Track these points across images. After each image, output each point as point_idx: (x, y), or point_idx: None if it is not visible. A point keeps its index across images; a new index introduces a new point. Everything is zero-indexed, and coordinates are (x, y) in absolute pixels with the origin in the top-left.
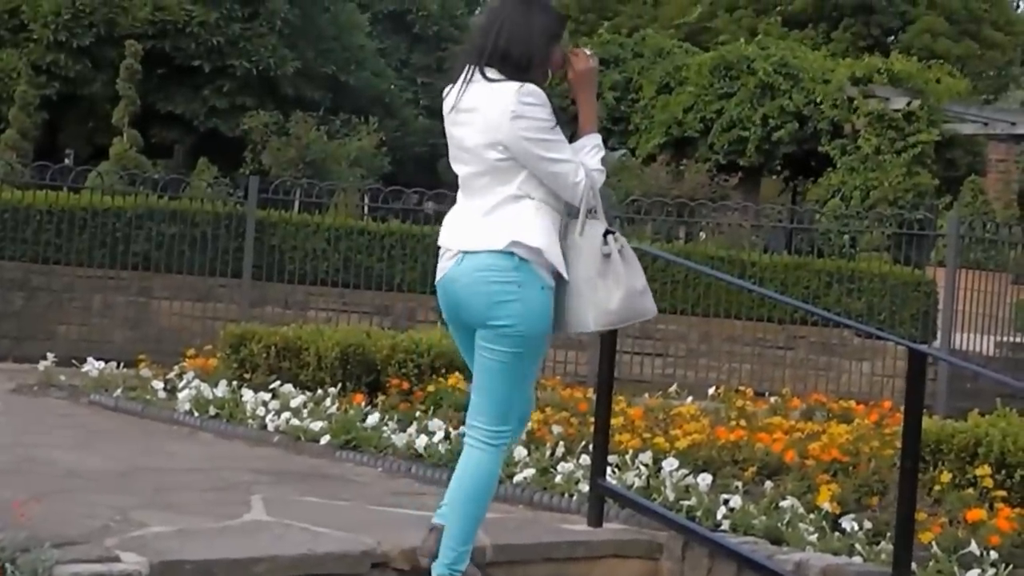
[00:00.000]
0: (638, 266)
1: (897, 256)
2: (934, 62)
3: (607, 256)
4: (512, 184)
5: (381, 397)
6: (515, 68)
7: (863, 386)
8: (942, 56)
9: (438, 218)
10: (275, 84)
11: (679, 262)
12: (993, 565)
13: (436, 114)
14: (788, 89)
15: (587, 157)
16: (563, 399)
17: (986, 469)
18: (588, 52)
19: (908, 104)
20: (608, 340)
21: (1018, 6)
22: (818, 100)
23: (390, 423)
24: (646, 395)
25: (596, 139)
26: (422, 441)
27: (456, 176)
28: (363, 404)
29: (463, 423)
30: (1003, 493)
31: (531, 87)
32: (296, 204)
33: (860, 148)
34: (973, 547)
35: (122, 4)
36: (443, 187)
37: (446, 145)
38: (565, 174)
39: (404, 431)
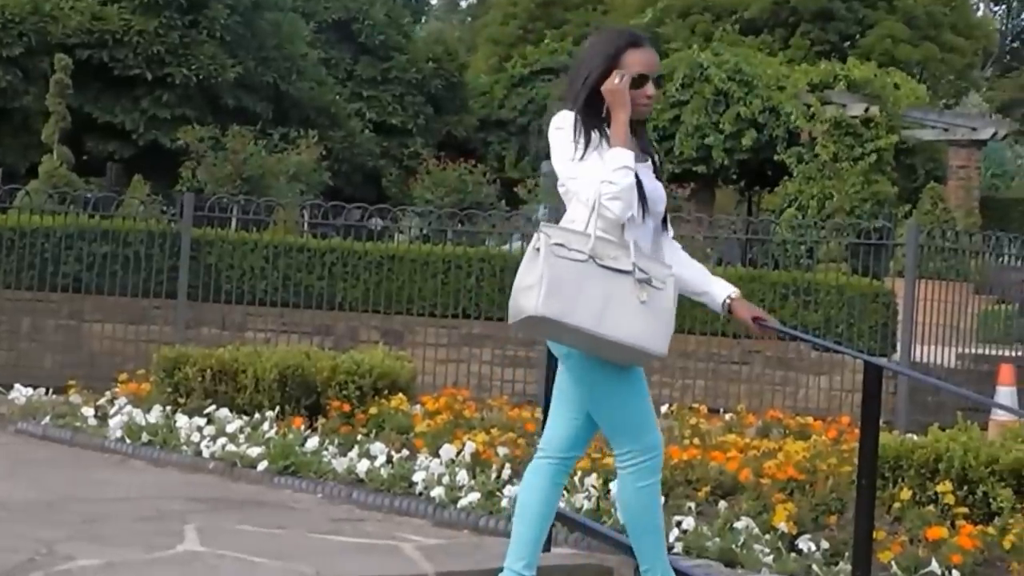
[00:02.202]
0: (543, 263)
1: (855, 267)
2: (893, 68)
3: (536, 251)
4: (569, 211)
5: (321, 420)
6: (568, 100)
7: (821, 401)
8: (902, 61)
9: (383, 234)
10: (216, 94)
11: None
12: None
13: (381, 127)
14: (743, 96)
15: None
16: (510, 419)
17: (947, 485)
18: (619, 73)
19: (866, 110)
20: (554, 357)
21: (978, 9)
22: (774, 107)
23: (330, 447)
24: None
25: (615, 153)
26: (363, 465)
27: (409, 193)
28: (302, 428)
29: (405, 446)
30: (965, 510)
31: (562, 113)
32: (233, 221)
33: (817, 156)
34: (934, 566)
35: (53, 13)
36: (389, 201)
37: (394, 158)
38: (577, 192)
39: (345, 455)
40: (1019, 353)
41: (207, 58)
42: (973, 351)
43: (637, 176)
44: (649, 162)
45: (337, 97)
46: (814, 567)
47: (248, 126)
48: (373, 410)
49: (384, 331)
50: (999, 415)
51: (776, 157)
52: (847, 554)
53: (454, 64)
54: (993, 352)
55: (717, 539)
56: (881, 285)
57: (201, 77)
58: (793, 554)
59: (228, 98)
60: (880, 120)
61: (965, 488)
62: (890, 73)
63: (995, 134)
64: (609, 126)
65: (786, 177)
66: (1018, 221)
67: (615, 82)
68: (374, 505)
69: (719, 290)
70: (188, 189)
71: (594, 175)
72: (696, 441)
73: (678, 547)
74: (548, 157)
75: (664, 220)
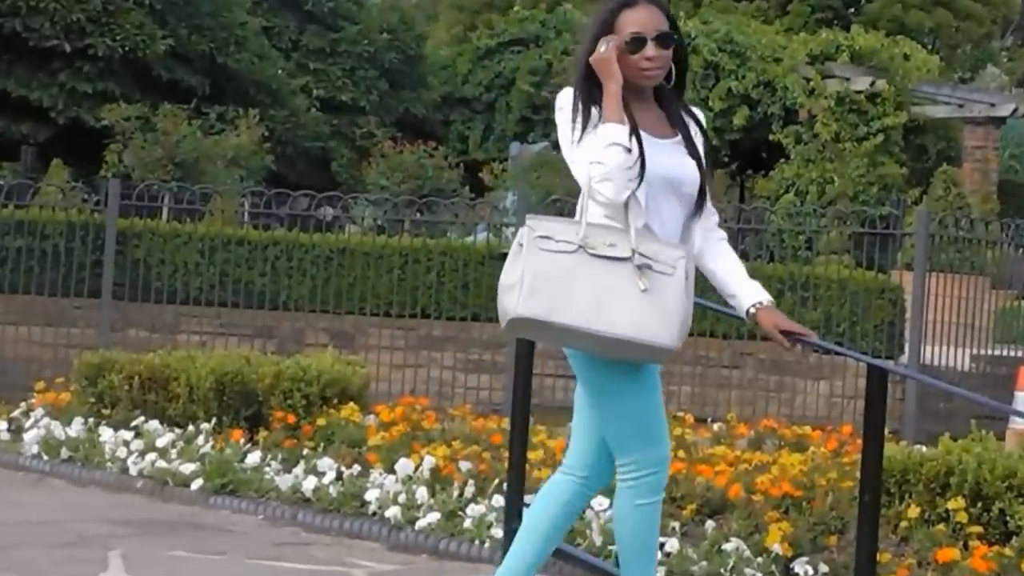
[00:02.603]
0: (524, 259)
1: (859, 259)
2: (902, 37)
3: (520, 247)
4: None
5: (263, 433)
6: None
7: (820, 409)
8: (912, 29)
9: (332, 225)
10: (144, 68)
11: None
12: None
13: (330, 104)
14: (735, 69)
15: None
16: (474, 431)
17: (959, 502)
18: (606, 40)
19: (872, 84)
20: (524, 361)
21: None
22: (769, 81)
23: (273, 463)
24: (569, 424)
25: (603, 130)
26: (310, 483)
27: (362, 179)
28: (242, 441)
29: (357, 461)
30: (979, 529)
31: (564, 91)
32: (165, 211)
33: (817, 135)
34: None
35: None
36: (340, 188)
37: (345, 139)
38: (576, 176)
39: (289, 472)
40: None
41: (134, 27)
42: (990, 352)
43: (643, 152)
44: (679, 137)
45: (280, 71)
46: None
47: (181, 104)
48: (321, 421)
49: (333, 333)
50: (1018, 423)
51: (772, 137)
52: None
53: (411, 35)
54: (1012, 353)
55: (704, 563)
56: (887, 279)
57: (127, 49)
58: None
59: (158, 72)
60: (887, 95)
61: (979, 505)
62: (899, 43)
63: (1015, 110)
64: None
65: (783, 159)
66: None
67: (601, 50)
68: (322, 527)
69: (746, 296)
70: (113, 175)
71: (588, 156)
72: (681, 454)
73: (661, 572)
74: (516, 138)
75: (700, 204)
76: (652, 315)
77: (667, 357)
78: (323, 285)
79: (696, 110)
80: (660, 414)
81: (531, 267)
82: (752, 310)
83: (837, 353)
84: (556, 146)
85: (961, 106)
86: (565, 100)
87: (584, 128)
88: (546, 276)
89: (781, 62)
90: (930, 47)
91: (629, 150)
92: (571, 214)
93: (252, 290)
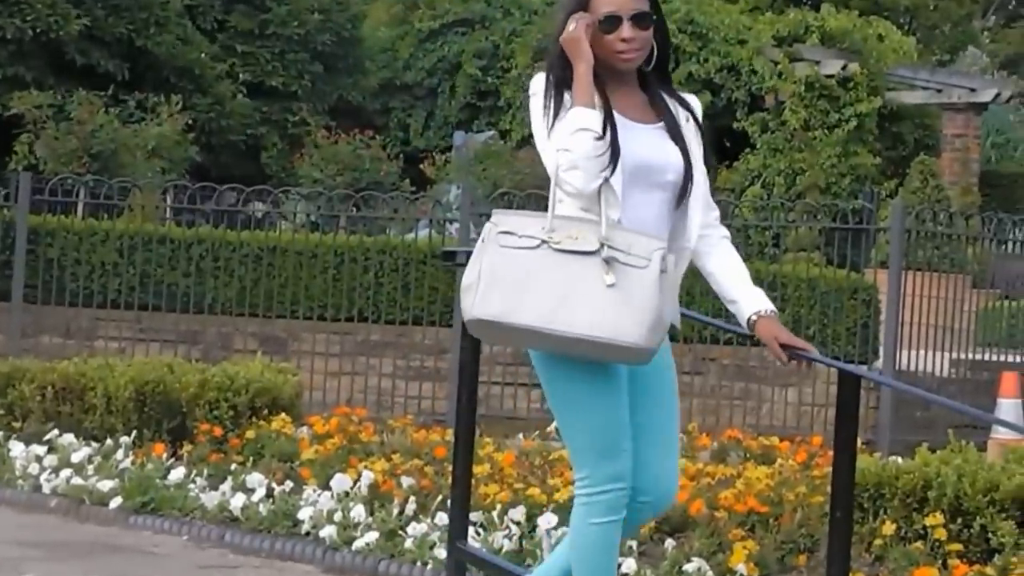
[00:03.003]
0: (481, 257)
1: (830, 256)
2: (876, 17)
3: (482, 243)
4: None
5: (187, 447)
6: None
7: (788, 418)
8: (887, 9)
9: (262, 221)
10: (57, 51)
11: None
12: None
13: (259, 90)
14: (696, 52)
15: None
16: (415, 443)
17: (938, 517)
18: (576, 18)
19: (844, 68)
20: (469, 367)
21: None
22: (734, 65)
23: (198, 479)
24: (520, 436)
25: (571, 115)
26: (238, 501)
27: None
28: (164, 456)
29: (289, 477)
30: (959, 547)
31: (537, 75)
32: (80, 207)
33: (785, 123)
34: None
35: None
36: (270, 182)
37: (276, 126)
38: (546, 165)
39: (216, 489)
40: None
41: (45, 7)
42: (970, 356)
43: (616, 138)
44: (662, 123)
45: (204, 55)
46: None
47: (97, 91)
48: (250, 434)
49: (263, 338)
50: (1000, 433)
51: (736, 125)
52: None
53: (346, 15)
54: (994, 358)
55: None
56: (861, 278)
57: (38, 31)
58: None
59: (72, 56)
60: (860, 80)
61: (959, 520)
62: (872, 23)
63: (998, 96)
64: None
65: (748, 149)
66: None
67: (570, 28)
68: (251, 548)
69: (747, 303)
70: (24, 168)
71: (556, 143)
72: None
73: None
74: (460, 126)
75: (683, 195)
76: (617, 311)
77: (643, 357)
78: (252, 287)
79: (690, 97)
80: (618, 424)
81: (489, 265)
82: (753, 319)
83: (807, 359)
84: (503, 135)
85: (939, 91)
86: (538, 85)
87: (556, 115)
88: (505, 274)
89: (746, 44)
90: (906, 28)
91: (600, 137)
92: (519, 208)
93: (175, 292)
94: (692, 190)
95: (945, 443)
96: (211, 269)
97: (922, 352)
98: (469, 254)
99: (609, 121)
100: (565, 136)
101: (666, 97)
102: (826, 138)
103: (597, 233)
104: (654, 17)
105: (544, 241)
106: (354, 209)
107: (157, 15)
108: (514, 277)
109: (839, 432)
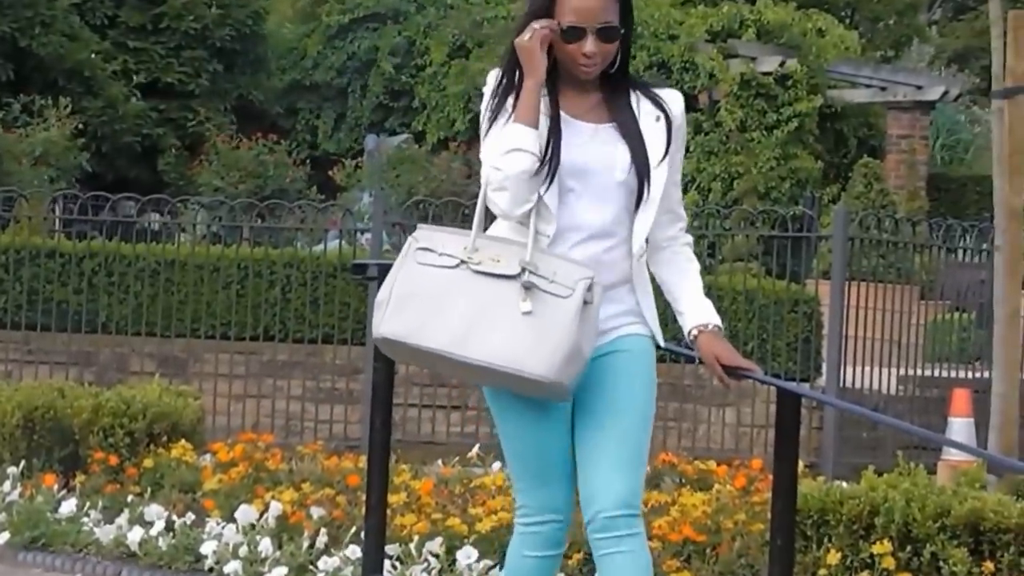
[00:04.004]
0: (395, 274)
1: (769, 266)
2: (815, 10)
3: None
4: None
5: (80, 477)
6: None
7: (726, 440)
8: (827, 1)
9: (160, 233)
10: None
11: None
12: None
13: (154, 90)
14: None
15: None
16: (327, 471)
17: (886, 545)
18: (533, 26)
19: (782, 65)
20: (382, 389)
21: None
22: (664, 62)
23: (92, 512)
24: (438, 462)
25: (508, 131)
26: (136, 535)
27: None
28: (55, 487)
29: (191, 508)
30: None
31: (492, 72)
32: None
33: (720, 124)
34: None
35: None
36: (168, 190)
37: (175, 127)
38: (481, 175)
39: (111, 522)
40: (977, 375)
41: None
42: (919, 372)
43: (558, 146)
44: (613, 123)
45: (94, 55)
46: None
47: None
48: (148, 462)
49: (161, 359)
50: (952, 455)
51: None
52: None
53: (247, 10)
54: (945, 374)
55: None
56: (802, 289)
57: None
58: None
59: None
60: (800, 77)
61: (908, 548)
62: (812, 17)
63: (946, 94)
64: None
65: None
66: (975, 205)
67: (525, 37)
68: None
69: (691, 315)
70: None
71: (488, 157)
72: None
73: None
74: (372, 128)
75: (638, 196)
76: (528, 341)
77: (557, 392)
78: (149, 303)
79: (667, 93)
80: (553, 451)
81: (403, 282)
82: (693, 333)
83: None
84: (418, 137)
85: (884, 89)
86: (490, 82)
87: (494, 119)
88: (418, 293)
89: (677, 40)
90: (848, 21)
91: (538, 159)
92: (436, 217)
93: (66, 310)
94: (648, 192)
95: (893, 466)
96: (104, 285)
97: (867, 368)
98: (381, 267)
99: (552, 131)
100: (498, 154)
101: (636, 94)
102: (764, 140)
103: (520, 255)
104: (622, 31)
105: (463, 261)
106: (258, 219)
107: (43, 14)
108: (427, 296)
109: (779, 455)
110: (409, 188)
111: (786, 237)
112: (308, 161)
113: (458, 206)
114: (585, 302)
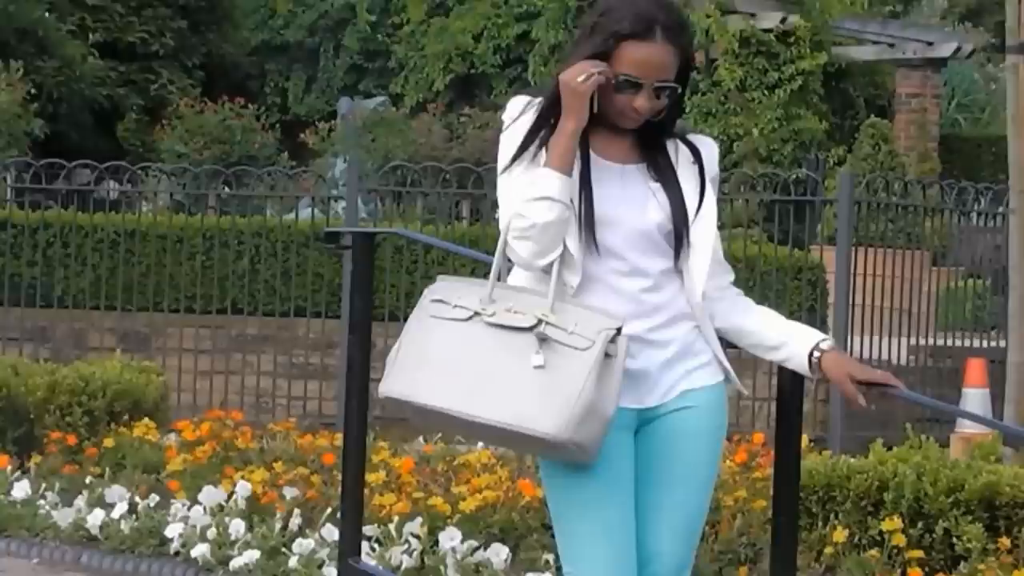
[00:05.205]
0: (406, 328)
1: (772, 232)
2: None
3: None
4: None
5: (36, 458)
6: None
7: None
8: None
9: (120, 202)
10: None
11: (463, 252)
12: None
13: (113, 50)
14: None
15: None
16: (300, 449)
17: (895, 522)
18: (590, 69)
19: (783, 21)
20: (359, 364)
21: None
22: None
23: (49, 494)
24: (420, 440)
25: (537, 176)
26: (96, 518)
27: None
28: (9, 469)
29: (155, 490)
30: (919, 554)
31: (518, 97)
32: None
33: (719, 84)
34: None
35: None
36: (128, 157)
37: (136, 90)
38: (499, 215)
39: (70, 505)
40: (992, 344)
41: None
42: (931, 342)
43: (589, 199)
44: (644, 164)
45: (48, 14)
46: None
47: None
48: (108, 442)
49: (122, 334)
50: (965, 427)
51: None
52: None
53: None
54: (958, 343)
55: None
56: (806, 256)
57: None
58: None
59: None
60: (803, 34)
61: (919, 525)
62: None
63: (958, 50)
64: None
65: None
66: (990, 167)
67: (578, 79)
68: (112, 571)
69: (801, 341)
70: None
71: (511, 201)
72: None
73: None
74: (346, 91)
75: (680, 240)
76: (538, 397)
77: (575, 455)
78: (108, 276)
79: (701, 140)
80: (589, 521)
81: (411, 337)
82: (816, 356)
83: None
84: (395, 100)
85: (892, 46)
86: (514, 109)
87: (519, 154)
88: (425, 349)
89: None
90: None
91: (568, 209)
92: (416, 184)
93: (19, 284)
94: (693, 234)
95: (903, 439)
96: (61, 257)
97: (876, 338)
98: (356, 235)
99: (583, 177)
100: (524, 199)
101: (672, 141)
102: (765, 100)
103: (540, 306)
104: (679, 90)
105: (477, 313)
106: (225, 187)
107: None
108: (436, 353)
109: (781, 427)
110: (386, 153)
111: (789, 201)
112: (278, 125)
113: (438, 172)
114: (608, 355)
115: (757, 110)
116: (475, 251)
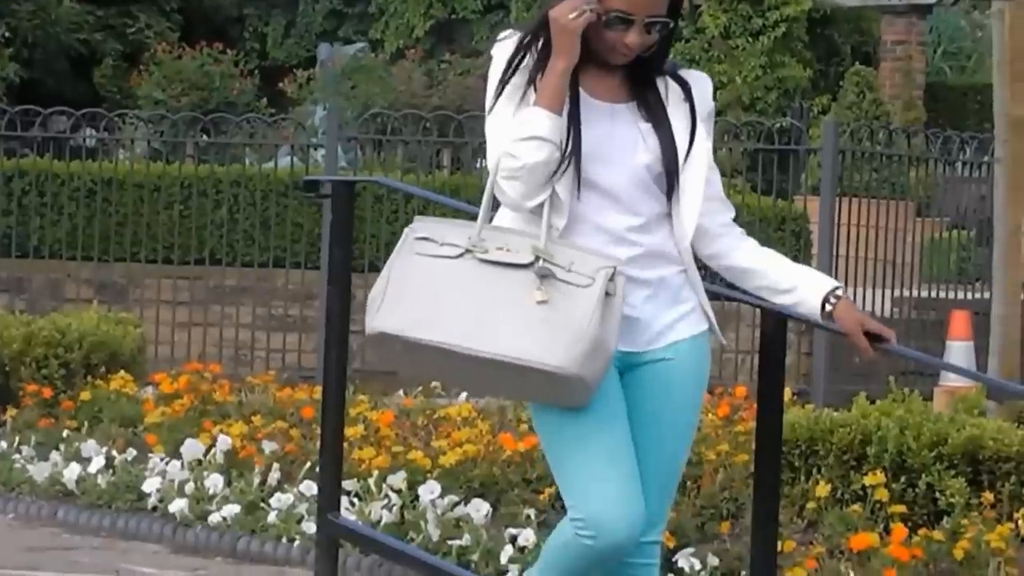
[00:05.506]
0: (392, 265)
1: (755, 181)
2: None
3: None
4: None
5: (11, 411)
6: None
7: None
8: None
9: (96, 150)
10: None
11: (444, 201)
12: None
13: None
14: None
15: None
16: (279, 403)
17: (878, 476)
18: (582, 6)
19: None
20: (338, 315)
21: None
22: None
23: (24, 448)
24: (400, 392)
25: (528, 116)
26: (72, 472)
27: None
28: None
29: (132, 444)
30: (902, 508)
31: (506, 38)
32: None
33: (702, 30)
34: None
35: None
36: (104, 104)
37: (114, 34)
38: (488, 156)
39: (46, 459)
40: (977, 296)
41: None
42: (915, 294)
43: (577, 138)
44: (634, 102)
45: None
46: None
47: None
48: (85, 395)
49: (99, 285)
50: (949, 380)
51: None
52: (743, 573)
53: None
54: (942, 295)
55: None
56: (790, 206)
57: None
58: (671, 575)
59: None
60: None
61: (902, 479)
62: None
63: None
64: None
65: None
66: (976, 116)
67: (568, 16)
68: (89, 526)
69: (814, 287)
70: None
71: (501, 139)
72: None
73: (513, 570)
74: (325, 36)
75: (671, 182)
76: (543, 333)
77: (576, 393)
78: (85, 226)
79: (693, 75)
80: (588, 454)
81: (398, 274)
82: (832, 302)
83: (727, 298)
84: (374, 46)
85: None
86: (503, 52)
87: (502, 89)
88: (415, 285)
89: None
90: None
91: (559, 149)
92: (397, 132)
93: None
94: (683, 176)
95: (886, 392)
96: (36, 206)
97: (860, 289)
98: (335, 184)
99: (572, 116)
100: (513, 139)
101: (662, 78)
102: (749, 47)
103: (533, 244)
104: (671, 24)
105: (468, 250)
106: (203, 135)
107: None
108: (427, 288)
109: (764, 380)
110: (365, 100)
111: (773, 151)
112: (256, 72)
113: (418, 119)
114: (608, 293)
115: (741, 57)
116: (456, 200)
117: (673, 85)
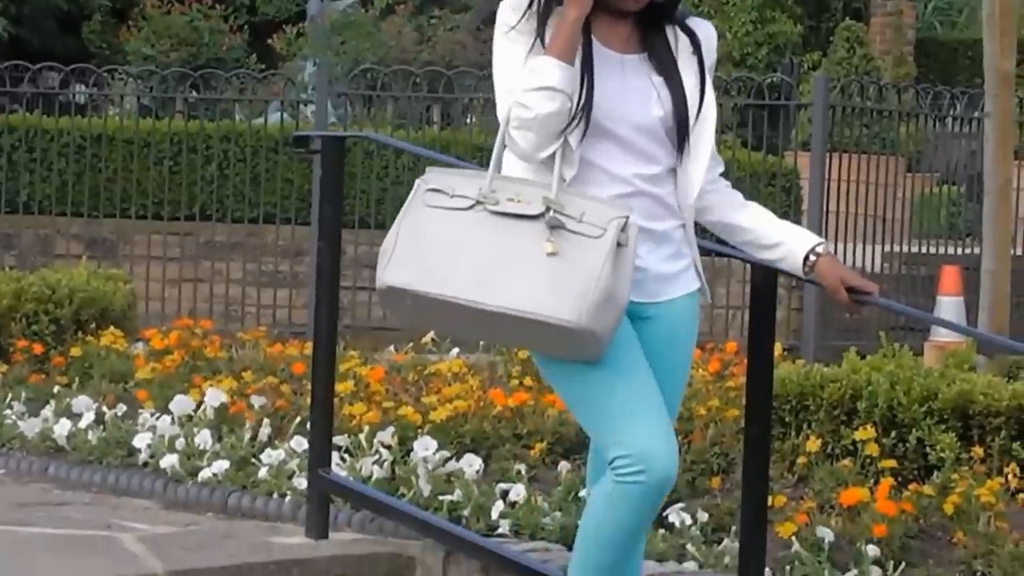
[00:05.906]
0: (402, 218)
1: (746, 137)
2: None
3: (407, 203)
4: None
5: (2, 367)
6: None
7: (700, 323)
8: None
9: (86, 106)
10: None
11: (434, 156)
12: (878, 564)
13: None
14: None
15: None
16: (269, 359)
17: (869, 431)
18: None
19: None
20: (329, 271)
21: None
22: None
23: (16, 404)
24: (390, 348)
25: (538, 65)
26: (63, 428)
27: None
28: None
29: (123, 399)
30: (892, 463)
31: None
32: None
33: None
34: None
35: None
36: (94, 60)
37: None
38: (498, 107)
39: (36, 415)
40: (967, 251)
41: None
42: (905, 249)
43: (590, 88)
44: (646, 54)
45: None
46: (689, 547)
47: None
48: (75, 351)
49: (89, 241)
50: (940, 335)
51: None
52: (734, 528)
53: None
54: (932, 250)
55: (557, 513)
56: (780, 161)
57: None
58: (662, 530)
59: None
60: None
61: (893, 434)
62: None
63: None
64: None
65: None
66: (967, 71)
67: None
68: (80, 482)
69: (798, 242)
70: None
71: (511, 85)
72: (528, 381)
73: (504, 526)
74: None
75: (681, 145)
76: (553, 285)
77: (588, 346)
78: (74, 181)
79: (700, 25)
80: (623, 386)
81: (410, 226)
82: (812, 259)
83: (718, 253)
84: (364, 2)
85: None
86: (512, 2)
87: (511, 37)
88: (427, 238)
89: None
90: None
91: (570, 99)
92: (386, 88)
93: None
94: (694, 132)
95: (877, 347)
96: (26, 162)
97: (850, 245)
98: (325, 139)
99: (585, 66)
100: (525, 89)
101: (671, 27)
102: (739, 2)
103: (545, 195)
104: None
105: (479, 202)
106: (192, 90)
107: None
108: (440, 242)
109: (754, 335)
110: (356, 56)
111: (763, 106)
112: (246, 27)
113: (408, 75)
114: (619, 244)
115: (731, 12)
116: (446, 156)
117: (683, 36)
